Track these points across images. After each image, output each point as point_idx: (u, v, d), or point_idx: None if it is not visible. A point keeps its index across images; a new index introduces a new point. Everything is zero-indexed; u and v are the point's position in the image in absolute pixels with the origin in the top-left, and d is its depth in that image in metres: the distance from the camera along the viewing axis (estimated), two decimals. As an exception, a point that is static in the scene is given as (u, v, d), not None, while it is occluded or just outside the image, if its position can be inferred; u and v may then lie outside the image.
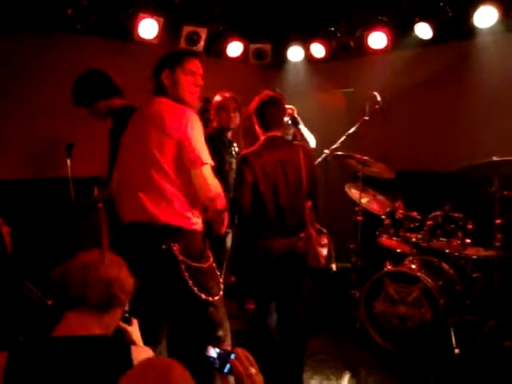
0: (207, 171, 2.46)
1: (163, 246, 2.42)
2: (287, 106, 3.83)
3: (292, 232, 3.12)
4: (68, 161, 3.84)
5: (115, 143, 3.08)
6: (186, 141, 2.41)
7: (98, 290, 1.58)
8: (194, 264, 2.44)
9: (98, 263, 1.62)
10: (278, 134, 3.21)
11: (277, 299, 3.23)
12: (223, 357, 1.40)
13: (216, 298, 2.51)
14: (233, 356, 1.40)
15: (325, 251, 3.20)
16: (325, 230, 3.27)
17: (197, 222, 2.54)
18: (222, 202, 2.54)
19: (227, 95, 3.95)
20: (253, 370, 1.38)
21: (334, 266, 3.42)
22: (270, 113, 3.15)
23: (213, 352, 1.42)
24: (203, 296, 2.45)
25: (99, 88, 3.16)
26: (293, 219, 3.12)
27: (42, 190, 4.27)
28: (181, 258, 2.41)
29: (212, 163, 2.50)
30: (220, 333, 2.51)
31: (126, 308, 1.81)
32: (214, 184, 2.49)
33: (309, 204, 3.20)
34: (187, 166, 2.43)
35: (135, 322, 1.95)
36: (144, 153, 2.48)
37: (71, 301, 1.58)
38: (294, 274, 3.18)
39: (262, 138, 3.17)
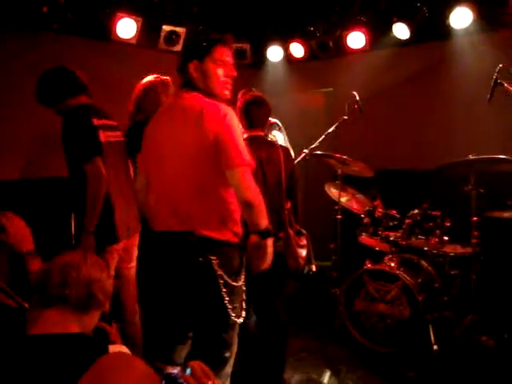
0: (247, 173, 2.17)
1: (200, 259, 2.19)
2: (271, 120, 3.83)
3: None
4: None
5: (68, 143, 2.96)
6: (224, 138, 2.14)
7: (78, 290, 1.57)
8: (229, 281, 2.21)
9: (80, 263, 1.61)
10: (261, 133, 3.22)
11: (256, 300, 3.23)
12: (181, 373, 1.38)
13: (239, 320, 2.28)
14: (188, 371, 1.39)
15: (304, 252, 3.19)
16: (304, 231, 3.28)
17: (238, 235, 2.29)
18: (262, 216, 2.21)
19: None
20: (209, 383, 1.38)
21: (313, 267, 3.42)
22: (255, 113, 3.14)
23: (172, 369, 1.40)
24: (233, 316, 2.23)
25: (67, 85, 2.99)
26: (271, 219, 3.12)
27: (34, 189, 4.24)
28: (219, 272, 2.19)
29: (253, 165, 2.24)
30: (227, 354, 2.32)
31: (107, 310, 1.80)
32: (253, 189, 2.19)
33: (288, 204, 3.21)
34: (223, 166, 2.16)
35: (115, 325, 1.94)
36: (180, 156, 2.23)
37: (50, 299, 1.57)
38: (273, 275, 3.18)
39: (244, 136, 3.18)
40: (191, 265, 2.21)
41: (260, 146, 3.16)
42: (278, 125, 4.26)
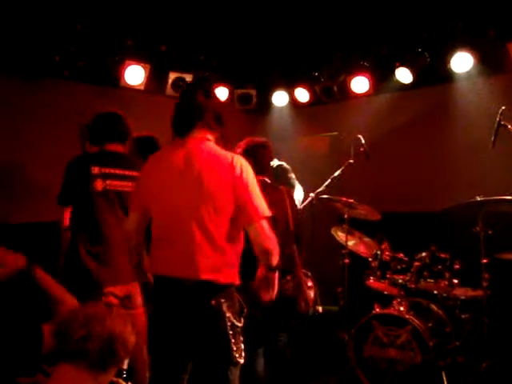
0: (265, 225, 2.30)
1: (213, 302, 2.22)
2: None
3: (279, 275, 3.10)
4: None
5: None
6: (243, 193, 2.27)
7: (100, 345, 1.50)
8: (235, 322, 2.28)
9: (104, 316, 1.56)
10: (266, 178, 3.26)
11: (266, 344, 3.17)
12: None
13: (241, 360, 2.32)
14: None
15: (312, 294, 3.23)
16: (309, 273, 3.33)
17: (238, 277, 2.37)
18: (276, 259, 2.36)
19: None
20: None
21: (320, 309, 3.46)
22: (261, 159, 3.20)
23: None
24: (237, 356, 2.27)
25: (103, 131, 3.17)
26: (280, 261, 3.10)
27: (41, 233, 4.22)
28: (228, 315, 2.24)
29: (269, 214, 2.36)
30: None
31: (125, 366, 1.72)
32: (271, 239, 2.32)
33: (295, 247, 3.21)
34: (243, 221, 2.30)
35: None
36: (195, 203, 2.26)
37: (70, 353, 1.50)
38: (283, 318, 3.13)
39: None
40: (202, 309, 2.23)
41: (266, 189, 3.17)
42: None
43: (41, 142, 4.39)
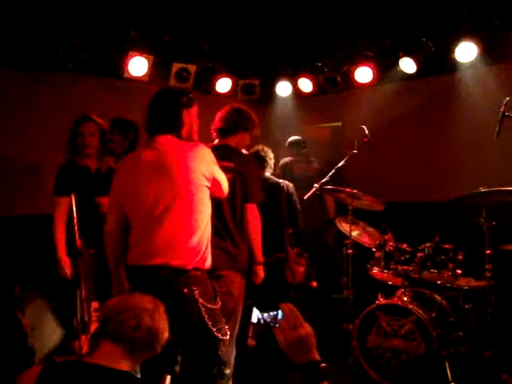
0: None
1: (185, 290, 2.38)
2: None
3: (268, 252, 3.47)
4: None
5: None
6: (214, 177, 2.57)
7: (145, 336, 1.66)
8: (209, 306, 2.44)
9: (154, 311, 1.70)
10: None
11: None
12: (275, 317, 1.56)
13: (226, 337, 2.51)
14: (280, 315, 1.50)
15: (301, 269, 3.85)
16: (305, 254, 3.99)
17: (209, 263, 2.55)
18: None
19: None
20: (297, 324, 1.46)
21: (314, 283, 4.00)
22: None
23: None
24: (220, 336, 2.45)
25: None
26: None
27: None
28: (201, 300, 2.40)
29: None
30: (227, 371, 2.52)
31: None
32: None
33: (290, 230, 3.90)
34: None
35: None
36: (173, 192, 2.43)
37: (119, 336, 1.64)
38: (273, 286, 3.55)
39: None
40: (176, 296, 2.37)
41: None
42: None
43: (45, 135, 4.40)
